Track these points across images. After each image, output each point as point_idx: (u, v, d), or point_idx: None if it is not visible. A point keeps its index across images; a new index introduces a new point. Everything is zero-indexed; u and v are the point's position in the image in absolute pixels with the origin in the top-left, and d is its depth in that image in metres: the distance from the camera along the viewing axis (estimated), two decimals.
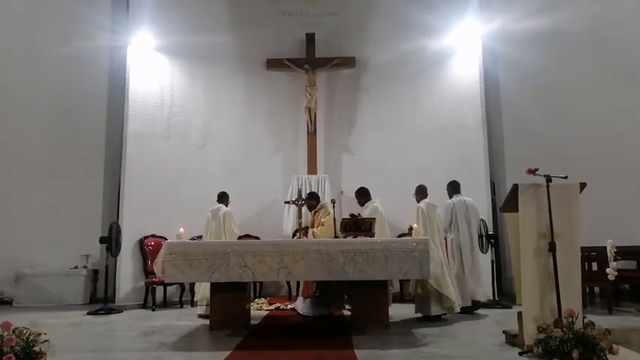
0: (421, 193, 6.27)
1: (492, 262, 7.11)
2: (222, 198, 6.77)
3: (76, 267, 7.84)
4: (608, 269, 5.61)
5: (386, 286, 5.44)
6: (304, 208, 7.16)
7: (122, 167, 7.73)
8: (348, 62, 9.00)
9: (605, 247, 5.63)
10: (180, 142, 8.33)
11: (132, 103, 7.88)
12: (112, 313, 6.69)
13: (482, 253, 7.18)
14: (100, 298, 7.27)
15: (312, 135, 8.84)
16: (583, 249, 5.39)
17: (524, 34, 7.75)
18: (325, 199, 8.23)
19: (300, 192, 7.96)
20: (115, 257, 7.24)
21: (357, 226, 6.26)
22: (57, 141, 8.12)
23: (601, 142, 7.26)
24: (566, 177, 4.04)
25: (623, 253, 5.71)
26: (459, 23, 8.12)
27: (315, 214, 6.71)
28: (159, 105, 8.19)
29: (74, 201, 7.93)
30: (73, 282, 7.75)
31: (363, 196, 6.46)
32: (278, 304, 7.16)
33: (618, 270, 5.63)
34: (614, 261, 5.56)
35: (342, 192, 8.49)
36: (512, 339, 4.20)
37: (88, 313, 6.64)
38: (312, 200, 6.79)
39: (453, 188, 6.76)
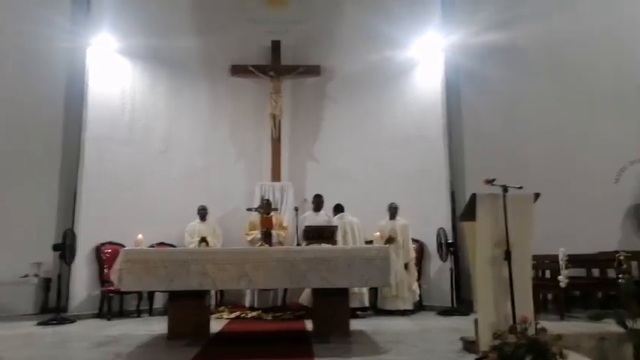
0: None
1: (451, 269, 7.25)
2: None
3: (26, 275, 7.49)
4: (559, 277, 5.83)
5: (347, 294, 5.47)
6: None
7: (79, 172, 7.48)
8: (314, 70, 9.04)
9: (558, 256, 5.86)
10: (141, 146, 8.14)
11: (91, 106, 7.65)
12: (64, 323, 6.43)
13: (442, 261, 7.35)
14: (53, 308, 6.98)
15: (276, 142, 8.81)
16: (537, 257, 5.60)
17: (484, 48, 7.97)
18: (289, 206, 8.26)
19: (262, 199, 7.94)
20: (69, 265, 6.98)
21: (320, 233, 6.34)
22: (9, 142, 7.70)
23: (555, 154, 7.52)
24: (521, 187, 4.17)
25: (574, 261, 5.95)
26: (421, 36, 8.31)
27: (265, 217, 7.50)
28: (120, 109, 7.98)
29: (26, 206, 7.55)
30: (22, 291, 7.36)
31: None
32: (239, 313, 7.06)
33: (569, 277, 5.86)
34: (565, 269, 5.80)
35: (305, 200, 8.48)
36: (470, 345, 4.29)
37: (39, 324, 6.36)
38: (269, 207, 7.60)
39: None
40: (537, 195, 4.19)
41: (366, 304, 7.16)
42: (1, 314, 7.03)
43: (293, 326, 6.21)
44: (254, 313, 7.01)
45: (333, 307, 5.27)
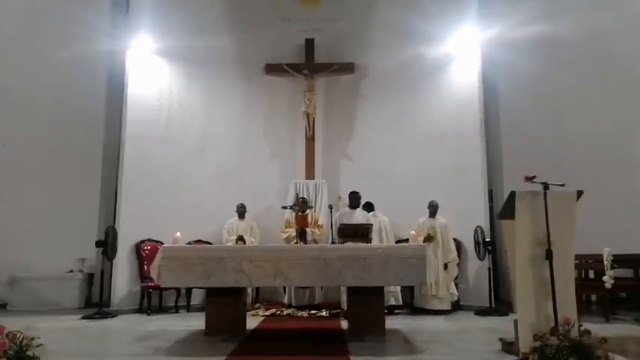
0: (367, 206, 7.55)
1: (489, 269, 7.10)
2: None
3: (71, 271, 7.80)
4: (604, 277, 5.63)
5: (382, 292, 5.43)
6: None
7: (119, 171, 7.71)
8: (348, 68, 9.00)
9: (602, 255, 5.65)
10: (178, 145, 8.30)
11: (130, 106, 7.85)
12: (107, 318, 6.65)
13: (480, 260, 7.21)
14: (96, 303, 7.23)
15: (310, 140, 8.83)
16: (580, 257, 5.42)
17: (522, 42, 7.76)
18: (323, 204, 8.28)
19: (297, 196, 7.98)
20: (111, 261, 7.21)
21: (355, 231, 6.32)
22: (54, 143, 8.07)
23: (598, 150, 7.25)
24: (563, 185, 4.03)
25: (620, 261, 5.72)
26: (457, 31, 8.14)
27: (300, 215, 7.62)
28: (157, 108, 8.17)
29: (71, 204, 7.88)
30: (68, 286, 7.69)
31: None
32: (274, 310, 7.13)
33: (615, 278, 5.64)
34: (610, 269, 5.58)
35: (339, 197, 8.47)
36: (508, 347, 4.18)
37: (83, 317, 6.60)
38: (304, 205, 7.58)
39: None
40: (580, 192, 4.04)
41: (400, 301, 7.13)
42: (47, 307, 7.34)
43: (328, 324, 6.22)
44: (289, 311, 7.07)
45: (368, 306, 5.24)
